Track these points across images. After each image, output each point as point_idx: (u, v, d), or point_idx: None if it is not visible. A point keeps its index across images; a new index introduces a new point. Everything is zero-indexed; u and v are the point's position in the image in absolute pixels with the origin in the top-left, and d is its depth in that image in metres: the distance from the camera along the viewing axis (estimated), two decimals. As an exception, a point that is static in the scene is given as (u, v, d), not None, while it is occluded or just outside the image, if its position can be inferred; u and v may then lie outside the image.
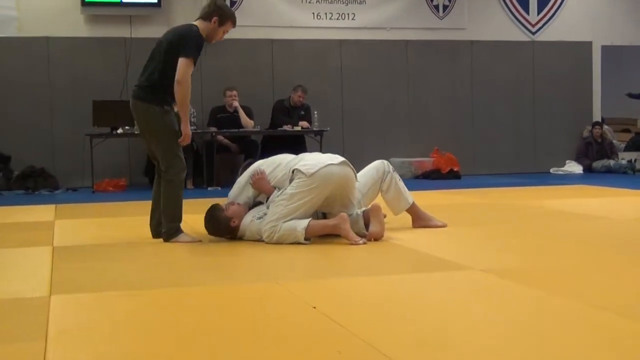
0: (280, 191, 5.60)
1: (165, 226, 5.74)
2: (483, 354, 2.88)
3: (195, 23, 5.90)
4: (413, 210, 6.26)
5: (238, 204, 5.78)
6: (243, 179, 5.89)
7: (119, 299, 3.93)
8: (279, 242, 5.45)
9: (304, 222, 5.45)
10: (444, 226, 6.23)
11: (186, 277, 4.53)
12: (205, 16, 5.90)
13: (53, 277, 4.48)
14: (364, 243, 5.40)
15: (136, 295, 4.00)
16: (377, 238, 5.56)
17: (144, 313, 3.68)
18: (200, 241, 5.73)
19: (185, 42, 5.71)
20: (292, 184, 5.55)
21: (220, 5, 5.96)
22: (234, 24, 6.07)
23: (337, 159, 5.71)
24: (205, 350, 2.99)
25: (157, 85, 5.75)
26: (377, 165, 6.18)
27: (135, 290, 4.12)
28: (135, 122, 6.05)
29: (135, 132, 10.85)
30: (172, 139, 5.77)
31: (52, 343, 3.08)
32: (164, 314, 3.64)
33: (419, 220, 6.27)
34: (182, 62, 5.63)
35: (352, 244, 5.37)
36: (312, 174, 5.50)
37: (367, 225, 5.66)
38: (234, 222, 5.66)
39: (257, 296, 3.96)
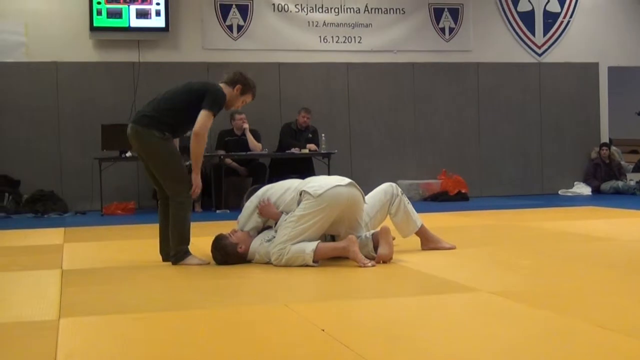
0: (289, 214, 5.61)
1: (174, 249, 5.75)
2: (492, 375, 2.87)
3: (222, 85, 5.96)
4: (422, 232, 6.25)
5: (242, 231, 5.79)
6: (251, 204, 5.88)
7: (127, 322, 3.93)
8: (287, 265, 5.45)
9: (312, 245, 5.45)
10: (452, 248, 6.22)
11: (195, 300, 4.53)
12: (229, 82, 5.99)
13: (62, 300, 4.48)
14: (373, 265, 5.39)
15: (145, 318, 4.00)
16: (385, 260, 5.55)
17: (153, 336, 3.68)
18: (208, 263, 5.74)
19: (211, 96, 5.77)
20: (300, 205, 5.56)
21: (245, 76, 6.05)
22: (253, 96, 6.21)
23: (345, 180, 5.72)
24: (214, 372, 2.98)
25: (165, 119, 5.76)
26: (385, 188, 6.18)
27: (144, 313, 4.12)
28: (135, 149, 6.00)
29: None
30: (177, 163, 5.80)
31: (62, 366, 3.09)
32: (172, 337, 3.64)
33: (428, 242, 6.26)
34: (204, 114, 5.70)
35: (360, 267, 5.37)
36: (320, 195, 5.51)
37: (376, 248, 5.66)
38: (240, 247, 5.66)
39: (265, 318, 3.96)
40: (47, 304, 4.42)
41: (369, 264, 5.38)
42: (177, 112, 5.79)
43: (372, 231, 5.81)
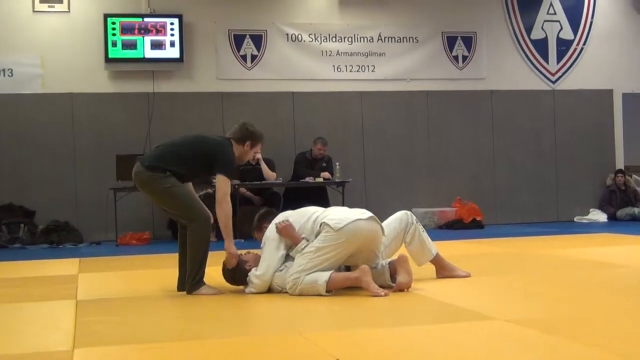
0: (307, 243, 5.59)
1: (189, 278, 5.76)
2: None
3: (232, 142, 6.00)
4: (437, 260, 6.22)
5: (253, 252, 5.84)
6: (276, 236, 5.81)
7: (142, 352, 3.93)
8: (301, 294, 5.44)
9: (326, 275, 5.43)
10: (467, 276, 6.19)
11: (209, 330, 4.53)
12: (239, 140, 6.03)
13: (76, 330, 4.48)
14: (385, 295, 5.35)
15: (159, 348, 3.99)
16: (405, 288, 5.53)
17: (167, 366, 3.67)
18: (222, 293, 5.73)
19: (223, 161, 5.82)
20: (320, 237, 5.54)
21: (252, 130, 6.09)
22: (262, 143, 6.30)
23: (366, 214, 5.68)
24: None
25: (171, 167, 5.79)
26: (400, 217, 6.16)
27: (159, 343, 4.11)
28: (143, 193, 5.99)
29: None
30: (185, 194, 5.83)
31: (76, 397, 3.08)
32: (187, 367, 3.63)
33: (443, 270, 6.23)
34: (221, 180, 5.76)
35: (373, 296, 5.35)
36: (340, 228, 5.49)
37: (392, 277, 5.64)
38: (249, 265, 5.70)
39: (280, 348, 3.94)
40: (61, 334, 4.41)
41: (382, 293, 5.34)
42: (185, 165, 5.83)
43: (389, 260, 5.78)
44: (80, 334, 4.36)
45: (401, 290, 5.53)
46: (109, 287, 6.38)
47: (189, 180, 5.97)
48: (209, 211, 5.90)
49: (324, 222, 5.56)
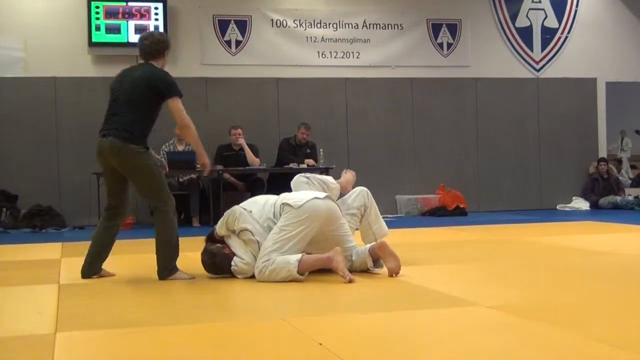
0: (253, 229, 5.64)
1: (162, 264, 5.74)
2: (489, 389, 2.86)
3: (151, 63, 5.98)
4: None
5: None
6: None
7: (124, 336, 3.92)
8: (270, 278, 5.42)
9: (297, 256, 5.46)
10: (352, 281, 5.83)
11: (192, 315, 4.52)
12: (158, 54, 6.01)
13: (59, 314, 4.47)
14: (351, 280, 5.33)
15: (141, 332, 3.99)
16: (397, 273, 5.55)
17: (150, 351, 3.67)
18: (194, 278, 5.73)
19: (167, 81, 5.83)
20: (282, 218, 5.59)
21: (166, 40, 6.14)
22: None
23: (321, 194, 5.77)
24: (210, 386, 2.97)
25: (138, 130, 5.79)
26: (358, 194, 6.26)
27: (141, 327, 4.11)
28: (115, 164, 5.87)
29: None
30: (161, 175, 5.90)
31: (57, 380, 3.07)
32: (170, 352, 3.62)
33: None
34: (176, 101, 5.79)
35: (343, 279, 5.35)
36: (300, 206, 5.55)
37: (376, 262, 5.67)
38: (225, 249, 5.70)
39: (263, 333, 3.95)
40: (44, 318, 4.41)
41: (347, 278, 5.33)
42: (144, 117, 5.82)
43: (368, 246, 5.79)
44: (62, 318, 4.35)
45: (391, 275, 5.54)
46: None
47: (150, 130, 5.95)
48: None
49: (284, 203, 5.62)
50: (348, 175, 6.52)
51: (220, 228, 5.82)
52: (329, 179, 6.23)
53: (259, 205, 5.84)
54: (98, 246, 5.98)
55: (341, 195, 6.26)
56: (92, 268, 5.91)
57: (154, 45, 6.00)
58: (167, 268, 5.73)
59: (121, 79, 5.99)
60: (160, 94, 5.79)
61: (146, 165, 5.79)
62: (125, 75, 6.01)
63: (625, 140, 17.56)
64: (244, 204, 5.90)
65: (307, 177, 6.06)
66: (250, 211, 5.76)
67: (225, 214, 5.87)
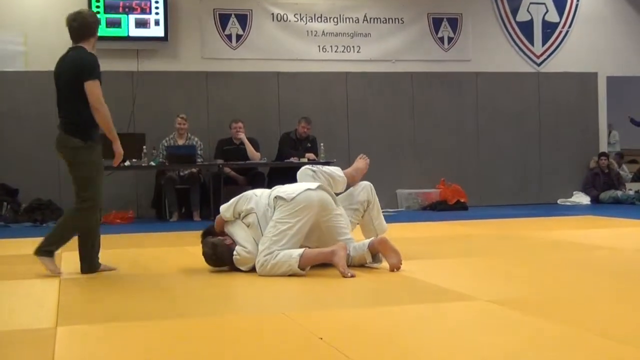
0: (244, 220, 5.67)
1: (45, 241, 5.77)
2: (490, 383, 2.86)
3: (81, 46, 5.87)
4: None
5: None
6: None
7: (125, 330, 3.92)
8: (271, 272, 5.43)
9: (299, 250, 5.47)
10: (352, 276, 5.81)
11: (193, 308, 4.53)
12: (88, 34, 5.90)
13: (59, 308, 4.48)
14: (352, 276, 5.34)
15: (142, 326, 3.99)
16: (398, 268, 5.55)
17: (150, 344, 3.67)
18: (60, 274, 5.74)
19: (85, 64, 5.72)
20: (276, 211, 5.59)
21: (95, 19, 6.02)
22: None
23: (314, 185, 5.77)
24: (211, 380, 2.97)
25: (82, 119, 5.76)
26: (362, 189, 6.25)
27: (142, 321, 4.11)
28: (60, 155, 5.96)
29: (143, 165, 10.92)
30: (98, 176, 5.91)
31: (58, 374, 3.08)
32: (170, 345, 3.63)
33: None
34: (91, 85, 5.66)
35: (342, 274, 5.35)
36: (293, 198, 5.57)
37: (375, 256, 5.68)
38: (228, 241, 5.70)
39: (263, 327, 3.95)
40: (44, 312, 4.41)
41: (348, 275, 5.34)
42: (86, 105, 5.70)
43: (367, 241, 5.78)
44: (63, 312, 4.35)
45: (392, 270, 5.54)
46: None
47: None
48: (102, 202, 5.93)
49: (277, 196, 5.63)
50: (360, 163, 6.50)
51: (226, 211, 5.82)
52: (337, 171, 6.18)
53: (261, 194, 5.86)
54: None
55: (349, 185, 6.25)
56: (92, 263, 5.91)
57: (84, 27, 5.88)
58: (45, 247, 5.76)
59: (57, 67, 5.93)
60: (80, 79, 5.68)
61: (81, 163, 5.78)
62: (59, 63, 5.94)
63: (613, 134, 17.45)
64: (253, 190, 5.95)
65: (314, 171, 6.02)
66: (259, 196, 5.81)
67: (234, 198, 5.87)
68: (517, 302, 4.37)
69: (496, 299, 4.44)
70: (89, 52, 5.83)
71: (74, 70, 5.73)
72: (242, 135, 11.57)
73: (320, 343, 3.49)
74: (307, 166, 6.18)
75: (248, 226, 5.70)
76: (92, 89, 5.66)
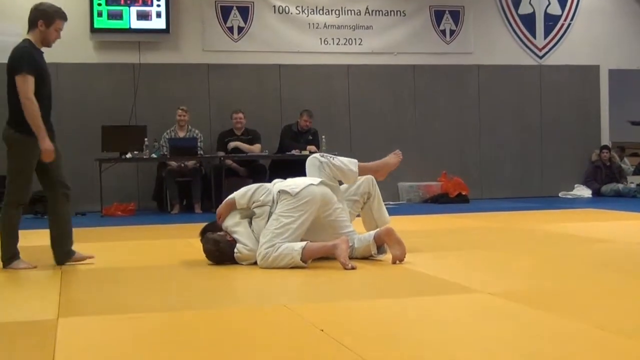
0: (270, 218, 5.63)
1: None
2: (491, 375, 2.86)
3: (26, 37, 5.81)
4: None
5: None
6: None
7: (126, 322, 3.93)
8: (273, 265, 5.43)
9: (302, 243, 5.48)
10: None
11: (194, 301, 4.53)
12: (32, 25, 5.83)
13: (61, 300, 4.48)
14: (353, 268, 5.34)
15: (144, 318, 3.99)
16: (401, 260, 5.55)
17: (151, 336, 3.67)
18: (35, 267, 5.74)
19: (14, 59, 5.66)
20: (279, 206, 5.60)
21: (40, 9, 5.85)
22: (62, 18, 5.93)
23: (316, 180, 5.78)
24: (212, 372, 2.98)
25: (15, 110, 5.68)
26: (360, 182, 6.21)
27: (142, 313, 4.12)
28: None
29: (144, 157, 10.92)
30: (21, 168, 5.74)
31: (60, 365, 3.08)
32: (171, 337, 3.63)
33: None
34: (19, 80, 5.57)
35: (343, 266, 5.35)
36: (297, 193, 5.57)
37: (380, 248, 5.68)
38: (229, 237, 5.69)
39: (264, 319, 3.96)
40: (46, 303, 4.42)
41: (349, 266, 5.33)
42: (16, 97, 5.62)
43: (372, 232, 5.79)
44: (64, 304, 4.36)
45: (395, 262, 5.54)
46: (95, 258, 6.36)
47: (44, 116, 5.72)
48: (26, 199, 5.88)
49: (282, 190, 5.63)
50: (392, 159, 6.50)
51: (242, 197, 5.78)
52: (350, 164, 6.05)
53: (272, 188, 5.86)
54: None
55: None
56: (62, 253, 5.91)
57: (30, 15, 5.83)
58: (4, 257, 5.74)
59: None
60: (12, 73, 5.61)
61: (11, 155, 5.69)
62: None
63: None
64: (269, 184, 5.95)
65: (321, 162, 5.96)
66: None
67: (249, 187, 5.87)
68: (519, 294, 4.37)
69: (497, 291, 4.44)
70: (24, 45, 5.74)
71: (9, 63, 5.68)
72: (239, 143, 11.59)
73: (321, 335, 3.49)
74: (316, 155, 6.11)
75: (257, 215, 5.69)
76: (19, 83, 5.57)
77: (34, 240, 7.98)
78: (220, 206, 5.91)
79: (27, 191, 5.85)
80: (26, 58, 5.63)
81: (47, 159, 5.69)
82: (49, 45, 5.92)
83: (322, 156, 6.05)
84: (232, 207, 5.84)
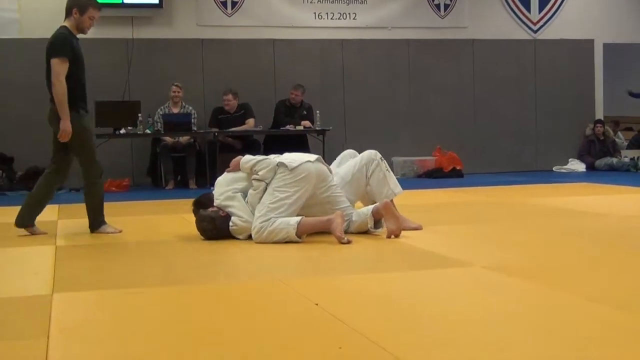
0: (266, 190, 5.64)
1: (95, 220, 6.24)
2: (484, 349, 2.88)
3: (63, 24, 6.29)
4: (389, 208, 5.85)
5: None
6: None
7: (121, 297, 3.94)
8: (268, 239, 5.44)
9: (297, 218, 5.49)
10: (419, 228, 6.00)
11: (188, 275, 4.54)
12: (67, 13, 6.30)
13: (55, 275, 4.49)
14: (348, 242, 5.35)
15: (138, 293, 4.01)
16: (396, 235, 5.56)
17: (146, 311, 3.69)
18: (121, 231, 6.17)
19: (50, 44, 6.16)
20: (275, 178, 5.61)
21: None
22: (95, 7, 6.43)
23: (312, 157, 5.82)
24: (207, 347, 2.99)
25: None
26: (362, 154, 6.22)
27: (137, 288, 4.13)
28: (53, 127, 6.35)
29: (138, 133, 10.91)
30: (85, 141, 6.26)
31: (54, 341, 3.09)
32: (166, 312, 3.65)
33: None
34: (54, 63, 6.09)
35: (338, 240, 5.36)
36: (295, 168, 5.60)
37: (377, 222, 5.69)
38: (222, 212, 5.69)
39: (259, 293, 3.97)
40: (40, 279, 4.43)
41: (345, 240, 5.34)
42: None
43: (371, 207, 5.79)
44: (59, 279, 4.37)
45: (389, 237, 5.55)
46: (88, 233, 6.37)
47: (83, 96, 6.32)
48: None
49: (281, 162, 5.65)
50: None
51: (246, 162, 5.80)
52: (394, 185, 6.14)
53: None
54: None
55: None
56: (24, 220, 6.28)
57: (67, 4, 6.33)
58: (93, 223, 6.24)
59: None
60: (49, 56, 6.13)
61: (77, 132, 6.16)
62: None
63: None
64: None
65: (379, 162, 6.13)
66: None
67: (257, 156, 5.89)
68: (513, 268, 4.39)
69: (492, 265, 4.46)
70: (62, 31, 6.22)
71: (47, 47, 6.20)
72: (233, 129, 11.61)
73: (315, 309, 3.51)
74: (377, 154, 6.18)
75: (253, 188, 5.69)
76: (54, 65, 6.08)
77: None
78: (234, 160, 5.98)
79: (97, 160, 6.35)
80: (62, 43, 6.14)
81: (64, 139, 6.16)
82: (83, 32, 6.39)
83: (382, 159, 6.16)
84: (239, 164, 5.88)
